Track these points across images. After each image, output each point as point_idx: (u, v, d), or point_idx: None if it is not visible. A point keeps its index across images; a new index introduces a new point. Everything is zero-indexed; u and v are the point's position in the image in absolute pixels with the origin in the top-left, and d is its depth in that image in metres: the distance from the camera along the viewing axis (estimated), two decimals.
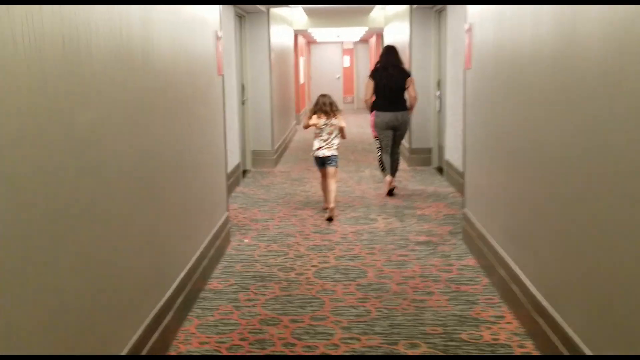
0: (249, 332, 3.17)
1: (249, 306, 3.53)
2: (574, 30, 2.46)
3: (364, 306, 3.49)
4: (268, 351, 2.96)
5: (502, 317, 3.30)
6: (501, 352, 2.91)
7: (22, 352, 1.69)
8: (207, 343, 3.06)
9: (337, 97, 16.34)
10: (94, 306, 2.19)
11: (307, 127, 5.82)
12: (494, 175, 3.83)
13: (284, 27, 10.71)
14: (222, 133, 4.67)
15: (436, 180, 7.29)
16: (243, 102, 8.07)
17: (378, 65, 6.64)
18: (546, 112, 2.81)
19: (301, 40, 16.13)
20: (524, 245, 3.20)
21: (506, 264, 3.45)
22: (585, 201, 2.38)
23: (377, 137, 6.65)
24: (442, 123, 7.63)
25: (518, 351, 2.91)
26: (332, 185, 5.64)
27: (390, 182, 6.44)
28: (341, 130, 5.70)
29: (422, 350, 2.94)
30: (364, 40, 19.41)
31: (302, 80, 16.05)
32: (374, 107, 6.54)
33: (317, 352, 2.94)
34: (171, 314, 3.07)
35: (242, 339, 3.09)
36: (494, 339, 3.03)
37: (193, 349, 3.01)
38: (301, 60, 15.82)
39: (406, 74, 6.52)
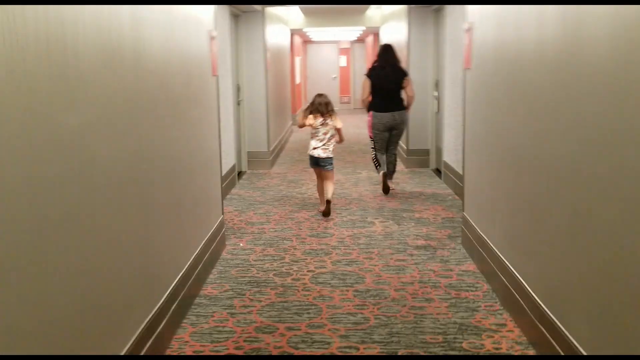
0: (244, 341, 3.08)
1: (244, 313, 3.44)
2: (578, 30, 2.38)
3: (362, 313, 3.41)
4: None
5: (503, 324, 3.22)
6: None
7: None
8: (201, 352, 2.98)
9: (334, 97, 16.21)
10: (83, 315, 2.11)
11: (302, 126, 5.81)
12: (494, 178, 3.74)
13: (279, 26, 10.62)
14: (216, 135, 4.59)
15: (434, 183, 7.21)
16: (238, 103, 7.98)
17: (375, 64, 6.56)
18: (548, 114, 2.73)
19: (297, 39, 16.03)
20: (525, 250, 3.12)
21: (507, 269, 3.37)
22: (589, 205, 2.30)
23: (372, 138, 6.58)
24: (440, 124, 7.54)
25: None
26: (329, 186, 5.69)
27: (385, 177, 6.39)
28: (338, 132, 5.66)
29: None
30: (361, 40, 19.33)
31: (298, 80, 15.95)
32: (372, 107, 6.46)
33: None
34: (164, 321, 2.98)
35: (237, 348, 3.01)
36: (496, 348, 2.96)
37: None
38: (297, 60, 15.72)
39: (404, 73, 6.45)
